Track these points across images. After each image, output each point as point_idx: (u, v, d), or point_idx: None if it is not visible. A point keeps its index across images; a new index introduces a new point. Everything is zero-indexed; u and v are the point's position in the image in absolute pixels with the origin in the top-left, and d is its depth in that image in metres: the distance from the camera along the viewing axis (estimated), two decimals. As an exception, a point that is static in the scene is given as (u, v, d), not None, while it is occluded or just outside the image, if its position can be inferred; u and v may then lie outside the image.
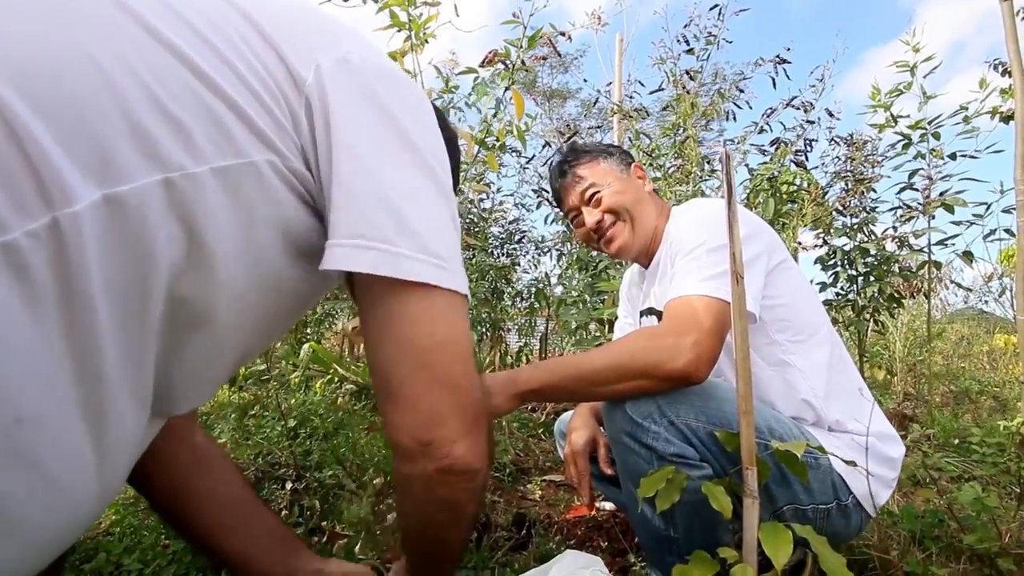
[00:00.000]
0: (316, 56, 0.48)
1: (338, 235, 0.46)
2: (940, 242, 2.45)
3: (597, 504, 1.46)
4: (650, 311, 1.15)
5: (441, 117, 0.81)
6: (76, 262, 0.36)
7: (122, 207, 0.38)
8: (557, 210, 3.04)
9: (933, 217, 2.46)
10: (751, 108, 2.92)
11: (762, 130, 2.77)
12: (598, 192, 1.12)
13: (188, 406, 0.53)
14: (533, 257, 3.71)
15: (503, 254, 3.51)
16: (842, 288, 2.65)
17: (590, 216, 1.13)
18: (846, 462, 0.80)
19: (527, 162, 3.62)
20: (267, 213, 0.46)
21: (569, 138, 3.12)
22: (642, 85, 3.32)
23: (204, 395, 0.56)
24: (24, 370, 0.35)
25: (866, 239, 2.59)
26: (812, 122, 2.72)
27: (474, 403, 0.51)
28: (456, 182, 0.86)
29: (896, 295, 2.51)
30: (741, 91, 2.88)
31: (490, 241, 3.39)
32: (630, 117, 3.14)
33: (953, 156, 2.41)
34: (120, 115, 0.38)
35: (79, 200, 0.36)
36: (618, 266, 2.39)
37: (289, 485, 1.42)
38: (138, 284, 0.40)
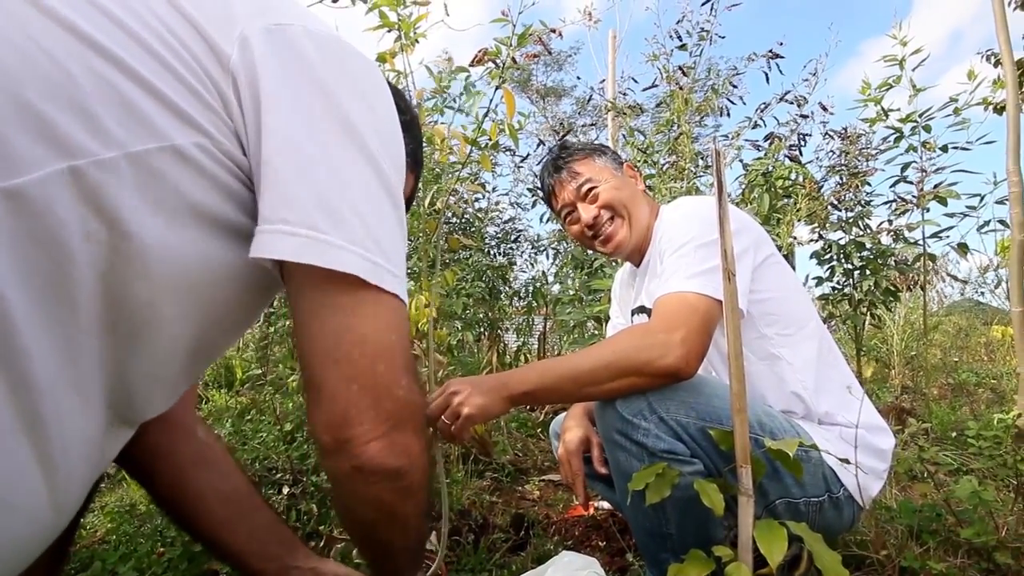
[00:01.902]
0: (240, 28, 0.45)
1: (264, 220, 0.44)
2: (935, 234, 2.45)
3: (595, 504, 1.46)
4: (641, 309, 1.15)
5: (400, 97, 0.76)
6: None
7: (24, 200, 0.35)
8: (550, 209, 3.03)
9: (927, 210, 2.46)
10: (744, 103, 2.92)
11: (756, 125, 2.77)
12: (594, 188, 1.11)
13: (154, 410, 0.51)
14: (529, 256, 3.71)
15: (499, 253, 3.51)
16: (838, 282, 2.66)
17: (586, 212, 1.12)
18: (839, 460, 0.80)
19: (521, 161, 3.62)
20: (202, 199, 0.43)
21: (563, 136, 3.11)
22: (635, 82, 3.33)
23: (170, 396, 0.53)
24: None
25: (861, 233, 2.59)
26: (806, 116, 2.73)
27: (395, 402, 0.48)
28: (419, 165, 0.83)
29: (892, 288, 2.51)
30: (734, 86, 2.88)
31: (486, 241, 3.39)
32: (624, 114, 3.13)
33: (945, 148, 2.42)
34: (12, 104, 0.35)
35: None
36: (613, 264, 2.38)
37: (286, 489, 1.42)
38: (58, 282, 0.38)
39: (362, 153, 0.47)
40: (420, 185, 0.84)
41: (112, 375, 0.43)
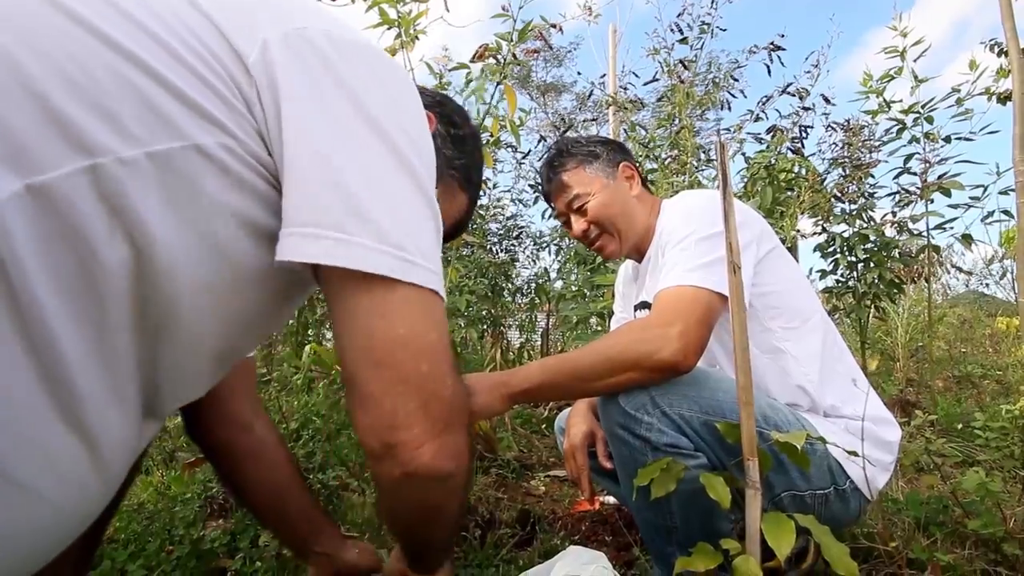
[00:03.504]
0: (262, 32, 0.45)
1: (289, 223, 0.43)
2: (939, 226, 2.44)
3: (601, 499, 1.46)
4: (644, 305, 1.16)
5: (458, 113, 0.80)
6: (9, 258, 0.34)
7: (48, 197, 0.36)
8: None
9: (931, 201, 2.45)
10: (746, 97, 2.92)
11: (758, 118, 2.76)
12: (583, 203, 1.12)
13: (175, 405, 0.52)
14: (532, 253, 3.71)
15: (502, 250, 3.50)
16: (842, 275, 2.65)
17: (576, 224, 1.14)
18: (847, 452, 0.80)
19: (523, 157, 3.61)
20: (227, 200, 0.43)
21: (563, 132, 3.10)
22: (636, 76, 3.32)
23: (194, 392, 0.54)
24: None
25: (865, 225, 2.58)
26: (808, 109, 2.71)
27: (443, 403, 0.47)
28: (473, 186, 0.84)
29: (896, 281, 2.50)
30: (736, 79, 2.87)
31: (488, 238, 3.38)
32: (625, 109, 3.12)
33: (948, 139, 2.41)
34: (35, 103, 0.36)
35: None
36: (616, 260, 2.38)
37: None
38: (87, 280, 0.38)
39: (388, 148, 0.46)
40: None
41: (142, 372, 0.44)
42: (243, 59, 0.44)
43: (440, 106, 0.78)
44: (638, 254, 1.17)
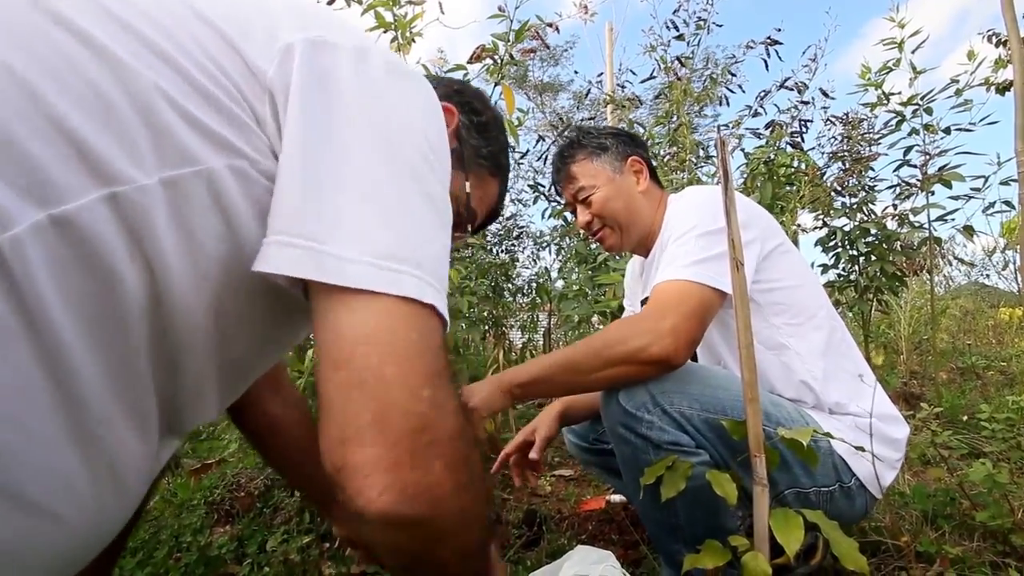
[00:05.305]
0: (279, 44, 0.43)
1: (269, 232, 0.40)
2: (940, 218, 2.43)
3: (607, 497, 1.46)
4: (648, 300, 1.16)
5: (478, 99, 0.78)
6: (27, 288, 0.34)
7: (69, 227, 0.35)
8: (555, 204, 3.03)
9: (932, 193, 2.44)
10: (744, 92, 2.90)
11: (756, 113, 2.75)
12: (588, 195, 1.14)
13: (196, 422, 0.51)
14: (532, 252, 3.71)
15: (502, 250, 3.50)
16: (844, 269, 2.64)
17: (581, 215, 1.17)
18: (855, 448, 0.79)
19: (521, 157, 3.61)
20: (247, 225, 0.42)
21: (562, 131, 3.10)
22: (633, 74, 3.31)
23: (214, 412, 0.53)
24: None
25: (866, 218, 2.57)
26: (807, 103, 2.71)
27: (408, 420, 0.37)
28: (502, 170, 0.83)
29: (898, 273, 2.50)
30: (733, 75, 2.86)
31: (488, 238, 3.38)
32: (623, 107, 3.12)
33: (948, 130, 2.40)
34: (51, 129, 0.35)
35: (17, 223, 0.33)
36: (617, 259, 2.38)
37: (298, 492, 1.42)
38: (107, 307, 0.38)
39: (383, 154, 0.43)
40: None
41: (161, 395, 0.43)
42: (259, 76, 0.43)
43: (459, 95, 0.76)
44: (644, 249, 1.18)
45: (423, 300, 0.40)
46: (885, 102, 2.53)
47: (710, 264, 0.90)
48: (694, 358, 1.10)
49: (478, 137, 0.76)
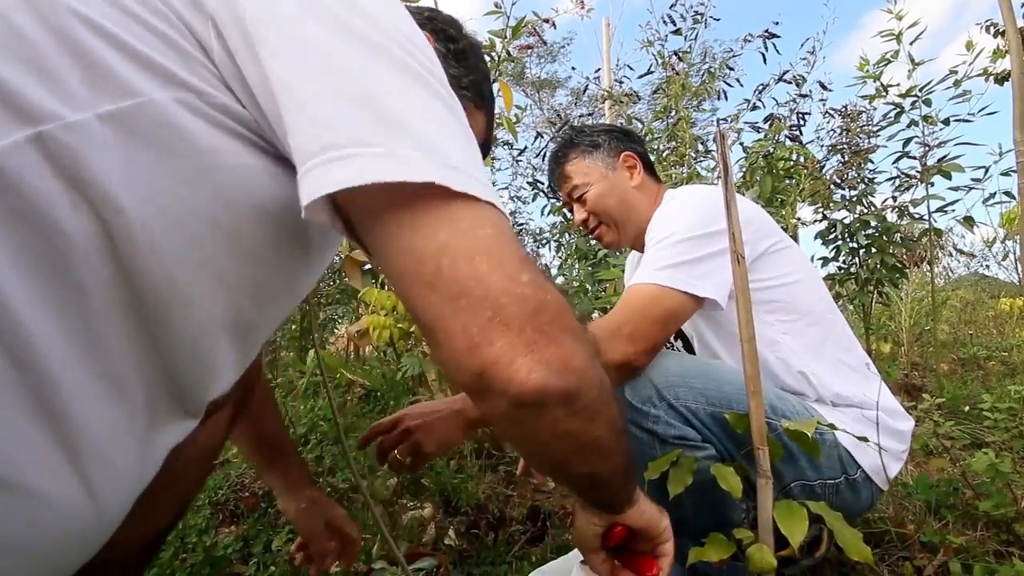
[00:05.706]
0: None
1: (305, 156, 0.36)
2: (939, 209, 2.43)
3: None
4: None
5: (452, 25, 0.73)
6: None
7: None
8: (554, 200, 3.03)
9: (932, 184, 2.44)
10: (742, 86, 2.90)
11: (755, 107, 2.75)
12: (581, 192, 1.15)
13: (207, 396, 0.46)
14: (532, 249, 3.71)
15: (502, 248, 3.49)
16: (844, 261, 2.64)
17: (577, 213, 1.18)
18: (858, 438, 0.80)
19: (519, 154, 3.61)
20: (199, 162, 0.38)
21: (561, 128, 3.10)
22: (631, 69, 3.30)
23: (222, 382, 0.47)
24: None
25: (866, 211, 2.57)
26: (805, 96, 2.70)
27: (523, 304, 0.37)
28: (487, 100, 0.78)
29: (899, 265, 2.50)
30: (731, 69, 2.85)
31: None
32: (621, 102, 3.11)
33: (947, 121, 2.39)
34: None
35: None
36: (617, 255, 2.38)
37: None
38: (57, 262, 0.34)
39: (393, 61, 0.40)
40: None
41: (145, 360, 0.39)
42: (197, 2, 0.39)
43: (431, 22, 0.71)
44: (641, 244, 1.17)
45: (478, 195, 0.38)
46: (884, 94, 2.53)
47: (684, 268, 0.90)
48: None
49: (457, 66, 0.71)
